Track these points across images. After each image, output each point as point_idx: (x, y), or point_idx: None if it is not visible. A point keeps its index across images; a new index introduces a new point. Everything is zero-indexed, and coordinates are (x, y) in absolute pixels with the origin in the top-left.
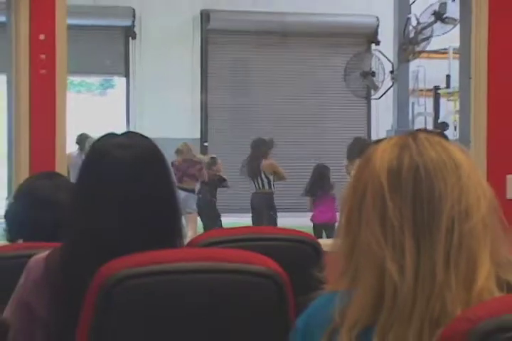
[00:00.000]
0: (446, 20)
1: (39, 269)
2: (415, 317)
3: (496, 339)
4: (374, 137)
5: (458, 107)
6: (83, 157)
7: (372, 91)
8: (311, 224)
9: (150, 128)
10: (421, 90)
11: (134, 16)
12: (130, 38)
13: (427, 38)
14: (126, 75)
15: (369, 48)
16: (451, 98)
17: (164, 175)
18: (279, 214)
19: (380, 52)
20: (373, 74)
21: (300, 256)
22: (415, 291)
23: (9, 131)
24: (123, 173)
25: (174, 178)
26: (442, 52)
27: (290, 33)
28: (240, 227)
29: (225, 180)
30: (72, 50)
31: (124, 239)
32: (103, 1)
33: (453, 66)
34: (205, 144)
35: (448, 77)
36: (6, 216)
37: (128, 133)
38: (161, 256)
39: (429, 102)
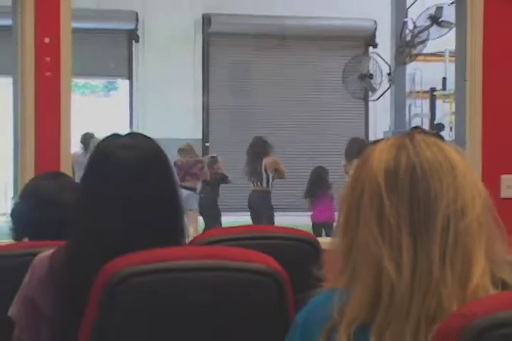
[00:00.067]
0: (442, 23)
1: (44, 267)
2: (412, 314)
3: (490, 336)
4: (372, 138)
5: (454, 109)
6: (87, 156)
7: (370, 93)
8: (310, 223)
9: (153, 128)
10: (417, 92)
11: (137, 20)
12: (133, 41)
13: (424, 41)
14: (130, 77)
15: (367, 51)
16: (447, 100)
17: (167, 175)
18: (278, 213)
19: (378, 54)
20: (371, 76)
21: (299, 254)
22: (412, 289)
23: (15, 131)
24: (127, 174)
25: (177, 178)
26: (438, 55)
27: (290, 36)
28: (240, 226)
29: (226, 177)
30: (76, 52)
31: (128, 239)
32: (107, 5)
33: (449, 68)
34: (207, 145)
35: (444, 79)
36: (12, 215)
37: (131, 134)
38: (165, 253)
39: (426, 104)
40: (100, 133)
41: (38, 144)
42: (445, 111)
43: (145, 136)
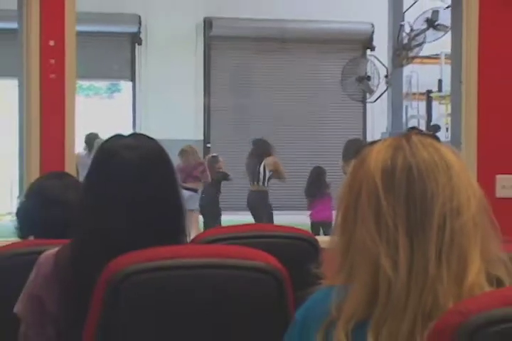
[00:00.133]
0: (438, 27)
1: (49, 265)
2: (409, 311)
3: (485, 333)
4: (369, 139)
5: (449, 110)
6: (91, 157)
7: (368, 95)
8: (309, 222)
9: (155, 129)
10: (414, 94)
11: (139, 23)
12: (136, 44)
13: (420, 44)
14: (133, 79)
15: (364, 54)
16: (443, 101)
17: (169, 175)
18: (277, 212)
19: (375, 57)
20: (368, 78)
21: (299, 252)
22: (409, 286)
23: (20, 132)
24: (130, 174)
25: (179, 178)
26: (434, 57)
27: (289, 39)
28: (241, 225)
29: (228, 175)
30: (80, 55)
31: (132, 238)
32: (110, 9)
33: (445, 71)
34: (208, 145)
35: (440, 81)
36: (18, 214)
37: (134, 135)
38: (167, 251)
39: (422, 105)
40: (104, 134)
41: (42, 145)
42: (441, 112)
43: (148, 137)
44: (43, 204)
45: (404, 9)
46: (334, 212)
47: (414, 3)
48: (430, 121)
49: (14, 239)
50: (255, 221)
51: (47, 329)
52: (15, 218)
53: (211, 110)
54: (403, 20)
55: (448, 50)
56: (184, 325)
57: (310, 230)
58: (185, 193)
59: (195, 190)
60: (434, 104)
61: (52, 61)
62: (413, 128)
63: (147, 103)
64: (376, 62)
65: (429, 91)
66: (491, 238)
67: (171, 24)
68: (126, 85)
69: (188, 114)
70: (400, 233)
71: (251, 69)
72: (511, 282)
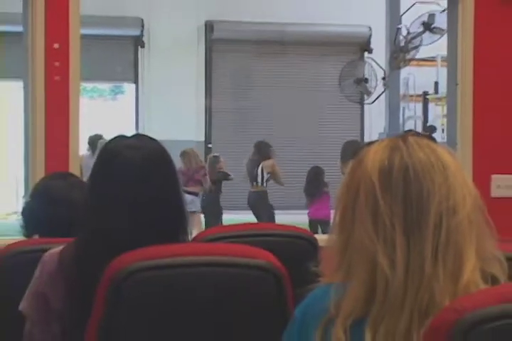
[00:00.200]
0: (435, 30)
1: (53, 263)
2: (406, 308)
3: (480, 330)
4: (367, 139)
5: (445, 111)
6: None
7: (366, 97)
8: (307, 221)
9: (157, 130)
10: (411, 95)
11: (142, 26)
12: (139, 47)
13: (417, 47)
14: (136, 81)
15: (362, 56)
16: (439, 103)
17: (171, 176)
18: (277, 211)
19: (373, 60)
20: (366, 80)
21: (298, 250)
22: (405, 284)
23: (26, 133)
24: (132, 175)
25: (180, 179)
26: (431, 60)
27: (289, 42)
28: (241, 224)
29: (228, 174)
30: (84, 58)
31: (134, 239)
32: (114, 12)
33: (441, 73)
34: (209, 146)
35: (436, 83)
36: (23, 213)
37: (137, 135)
38: (169, 250)
39: (419, 107)
40: (107, 135)
41: (47, 145)
42: (437, 113)
43: (150, 138)
44: (48, 204)
45: (401, 13)
46: (332, 211)
47: (411, 7)
48: (426, 122)
49: (20, 237)
50: (257, 220)
51: (52, 326)
52: (20, 217)
53: (212, 111)
54: (400, 24)
55: (444, 52)
56: (186, 322)
57: (308, 228)
58: (187, 197)
59: (196, 194)
60: (431, 105)
61: (57, 63)
62: (410, 131)
63: (150, 104)
64: (374, 64)
65: (425, 93)
66: (486, 236)
67: (173, 27)
68: (129, 87)
69: (190, 115)
70: (397, 232)
71: (251, 72)
72: (506, 280)
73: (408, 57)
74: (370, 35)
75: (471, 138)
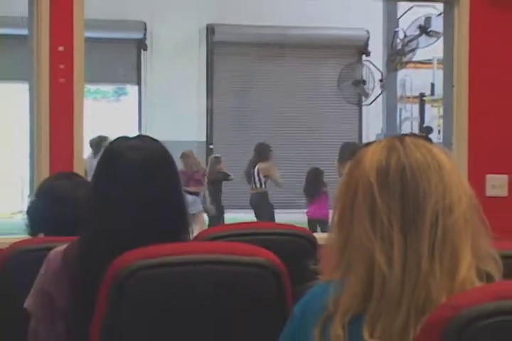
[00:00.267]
0: (431, 33)
1: (58, 261)
2: (403, 305)
3: (476, 326)
4: (365, 140)
5: (441, 113)
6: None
7: (364, 98)
8: (306, 220)
9: (160, 131)
10: (408, 97)
11: (145, 30)
12: (142, 50)
13: (413, 50)
14: (138, 83)
15: (360, 59)
16: (436, 104)
17: (173, 176)
18: (277, 211)
19: (371, 62)
20: (364, 82)
21: (297, 249)
22: (403, 281)
23: (31, 134)
24: (134, 176)
25: (182, 179)
26: (427, 62)
27: (289, 45)
28: (242, 223)
29: (228, 175)
30: (88, 60)
31: (136, 239)
32: (117, 16)
33: (437, 75)
34: (211, 146)
35: (432, 85)
36: (28, 212)
37: (139, 136)
38: (172, 248)
39: (415, 108)
40: (111, 136)
41: (52, 146)
42: (433, 114)
43: (152, 138)
44: (54, 203)
45: (398, 16)
46: (331, 210)
47: (407, 11)
48: (423, 123)
49: (25, 236)
50: (257, 219)
51: (56, 324)
52: (25, 216)
53: (214, 112)
54: (397, 27)
55: (440, 55)
56: (186, 320)
57: (307, 227)
58: (189, 198)
59: (196, 194)
60: (427, 106)
61: (62, 66)
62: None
63: (152, 106)
64: (371, 66)
65: (422, 95)
66: (481, 235)
67: (175, 31)
68: (132, 89)
69: (192, 116)
70: (395, 230)
71: (252, 74)
72: (500, 277)
73: (405, 59)
74: (368, 38)
75: (467, 139)
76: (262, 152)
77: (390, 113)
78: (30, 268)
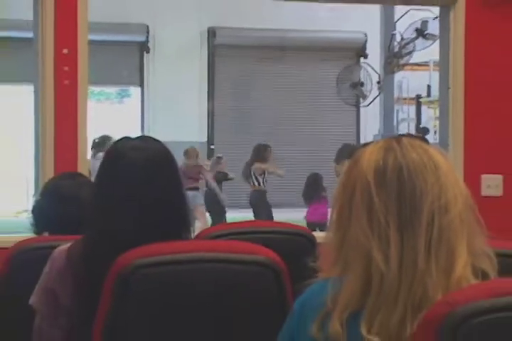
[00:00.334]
0: (427, 36)
1: (62, 259)
2: (400, 302)
3: (471, 323)
4: (362, 140)
5: (438, 114)
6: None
7: (361, 100)
8: (303, 219)
9: (162, 132)
10: (405, 99)
11: (147, 33)
12: (144, 52)
13: (410, 52)
14: (141, 85)
15: (358, 61)
16: (432, 106)
17: (174, 176)
18: (276, 209)
19: (368, 64)
20: (362, 84)
21: (297, 247)
22: (399, 278)
23: (36, 135)
24: (136, 176)
25: (183, 179)
26: (424, 64)
27: (288, 48)
28: (242, 221)
29: (227, 174)
30: (92, 62)
31: (139, 239)
32: (120, 19)
33: (433, 77)
34: (212, 147)
35: (429, 87)
36: (33, 211)
37: (142, 137)
38: (174, 246)
39: (412, 109)
40: (113, 136)
41: (56, 146)
42: (430, 116)
43: (154, 139)
44: (58, 202)
45: (395, 20)
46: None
47: (404, 14)
48: (419, 124)
49: (30, 234)
50: (255, 218)
51: (60, 322)
52: (30, 215)
53: (215, 114)
54: (394, 30)
55: (436, 57)
56: (187, 317)
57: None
58: (189, 193)
59: (196, 189)
60: (423, 108)
61: (66, 68)
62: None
63: (155, 107)
64: (369, 69)
65: (418, 96)
66: (477, 233)
67: (177, 33)
68: (135, 91)
69: (193, 117)
70: (391, 229)
71: (252, 76)
72: (495, 275)
73: (402, 62)
74: (366, 41)
75: (463, 140)
76: (259, 152)
77: (387, 114)
78: (34, 267)
